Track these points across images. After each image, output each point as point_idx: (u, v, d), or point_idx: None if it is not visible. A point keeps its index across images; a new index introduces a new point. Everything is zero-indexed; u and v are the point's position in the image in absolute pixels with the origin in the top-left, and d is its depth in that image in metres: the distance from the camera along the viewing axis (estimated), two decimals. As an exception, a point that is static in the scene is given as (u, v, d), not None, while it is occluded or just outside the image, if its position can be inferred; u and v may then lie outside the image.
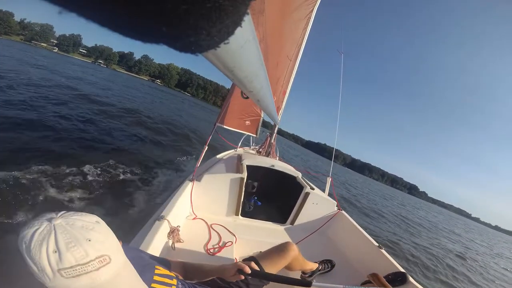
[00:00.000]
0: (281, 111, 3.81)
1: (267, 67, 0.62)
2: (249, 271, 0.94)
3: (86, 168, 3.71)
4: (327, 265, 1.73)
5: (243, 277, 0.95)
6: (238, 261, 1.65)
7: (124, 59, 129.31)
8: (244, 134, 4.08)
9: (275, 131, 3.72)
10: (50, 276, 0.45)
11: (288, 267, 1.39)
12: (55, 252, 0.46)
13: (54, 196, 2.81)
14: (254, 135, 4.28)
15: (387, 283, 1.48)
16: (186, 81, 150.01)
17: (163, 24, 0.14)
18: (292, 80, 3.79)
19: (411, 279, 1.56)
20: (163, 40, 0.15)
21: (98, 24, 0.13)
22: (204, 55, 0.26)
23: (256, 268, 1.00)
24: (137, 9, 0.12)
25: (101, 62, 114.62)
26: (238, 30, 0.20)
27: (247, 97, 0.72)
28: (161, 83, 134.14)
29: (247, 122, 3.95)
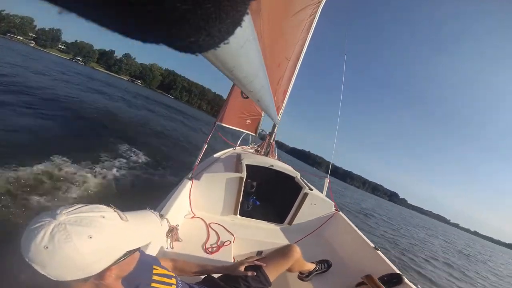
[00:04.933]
0: (281, 111, 3.81)
1: (267, 67, 0.62)
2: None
3: (83, 165, 3.71)
4: (324, 265, 1.73)
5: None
6: (236, 260, 1.66)
7: (104, 57, 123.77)
8: (244, 132, 4.07)
9: (275, 131, 3.72)
10: (50, 269, 0.45)
11: (288, 269, 1.38)
12: (46, 249, 0.45)
13: (46, 195, 2.79)
14: (254, 134, 4.28)
15: (381, 284, 1.49)
16: (169, 83, 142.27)
17: (163, 24, 0.14)
18: (294, 80, 3.79)
19: (406, 280, 1.56)
20: (163, 40, 0.15)
21: (98, 24, 0.13)
22: (204, 55, 0.26)
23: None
24: (137, 9, 0.12)
25: (79, 59, 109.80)
26: (238, 30, 0.20)
27: (247, 97, 0.72)
28: (142, 84, 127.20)
29: (247, 121, 3.95)
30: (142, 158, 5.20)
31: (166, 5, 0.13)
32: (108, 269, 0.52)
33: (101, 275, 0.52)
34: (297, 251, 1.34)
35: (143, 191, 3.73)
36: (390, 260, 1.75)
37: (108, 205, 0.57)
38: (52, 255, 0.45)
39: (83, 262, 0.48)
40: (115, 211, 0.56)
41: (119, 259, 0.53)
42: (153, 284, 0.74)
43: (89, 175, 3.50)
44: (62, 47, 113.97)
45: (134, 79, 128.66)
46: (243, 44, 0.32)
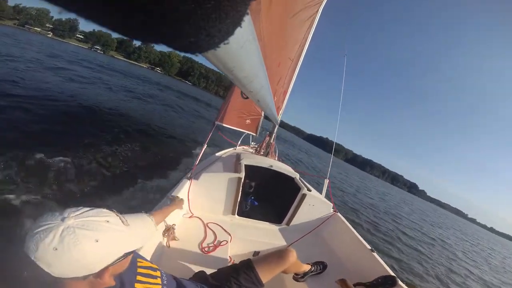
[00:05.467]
0: (281, 111, 3.81)
1: (267, 67, 0.62)
2: None
3: (83, 161, 3.71)
4: (319, 266, 1.74)
5: None
6: (232, 260, 1.66)
7: (123, 45, 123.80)
8: (244, 132, 4.08)
9: (275, 131, 3.72)
10: (56, 267, 0.49)
11: (283, 271, 1.38)
12: (55, 250, 0.49)
13: (44, 190, 2.80)
14: (254, 134, 4.28)
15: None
16: (187, 70, 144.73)
17: (163, 24, 0.14)
18: (294, 80, 3.79)
19: (400, 282, 1.57)
20: (163, 40, 0.15)
21: (98, 24, 0.14)
22: (204, 55, 0.26)
23: None
24: (137, 9, 0.12)
25: (98, 48, 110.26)
26: (238, 30, 0.20)
27: (247, 97, 0.72)
28: (161, 71, 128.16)
29: (247, 121, 3.94)
30: (142, 155, 5.20)
31: (166, 5, 0.13)
32: (106, 268, 0.56)
33: (99, 274, 0.56)
34: (293, 255, 1.34)
35: (143, 190, 3.73)
36: (385, 263, 1.77)
37: (111, 209, 0.62)
38: (60, 256, 0.49)
39: (87, 262, 0.52)
40: (117, 215, 0.61)
41: (117, 259, 0.57)
42: (139, 277, 0.76)
43: (88, 167, 3.55)
44: (81, 36, 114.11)
45: (153, 66, 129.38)
46: (243, 44, 0.32)
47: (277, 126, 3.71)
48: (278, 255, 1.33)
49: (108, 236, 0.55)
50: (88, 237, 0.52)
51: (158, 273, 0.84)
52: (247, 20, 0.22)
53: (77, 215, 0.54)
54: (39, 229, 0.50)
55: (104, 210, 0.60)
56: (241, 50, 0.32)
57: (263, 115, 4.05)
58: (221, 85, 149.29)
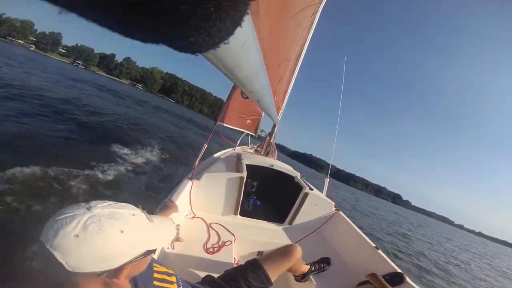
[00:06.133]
0: (281, 111, 3.81)
1: (267, 67, 0.62)
2: None
3: (89, 165, 3.72)
4: (321, 265, 1.70)
5: None
6: (237, 261, 1.65)
7: (105, 61, 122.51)
8: (243, 133, 4.08)
9: (275, 130, 3.72)
10: (71, 257, 0.46)
11: (289, 269, 1.37)
12: (76, 237, 0.46)
13: (51, 192, 2.81)
14: (253, 134, 4.28)
15: (386, 283, 1.48)
16: (170, 87, 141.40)
17: (163, 24, 0.14)
18: (294, 80, 3.79)
19: (408, 279, 1.56)
20: (163, 40, 0.15)
21: (98, 24, 0.13)
22: (204, 55, 0.26)
23: None
24: (137, 9, 0.12)
25: (79, 63, 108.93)
26: (238, 30, 0.20)
27: (247, 97, 0.72)
28: (142, 87, 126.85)
29: (248, 121, 3.95)
30: (144, 159, 5.22)
31: (166, 5, 0.13)
32: (124, 266, 0.52)
33: (116, 272, 0.52)
34: (298, 251, 1.33)
35: (148, 191, 3.74)
36: (391, 259, 1.75)
37: (137, 205, 0.60)
38: (81, 244, 0.46)
39: (108, 254, 0.49)
40: (142, 211, 0.59)
41: (137, 257, 0.54)
42: (155, 282, 0.73)
43: (93, 176, 3.53)
44: (63, 50, 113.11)
45: (135, 83, 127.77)
46: (243, 44, 0.32)
47: (277, 126, 3.71)
48: (283, 251, 1.32)
49: (134, 229, 0.53)
50: (113, 226, 0.50)
51: (173, 279, 0.82)
52: (247, 20, 0.22)
53: (104, 206, 0.53)
54: (62, 216, 0.48)
55: (130, 205, 0.58)
56: (241, 50, 0.32)
57: (263, 115, 4.05)
58: (205, 102, 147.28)
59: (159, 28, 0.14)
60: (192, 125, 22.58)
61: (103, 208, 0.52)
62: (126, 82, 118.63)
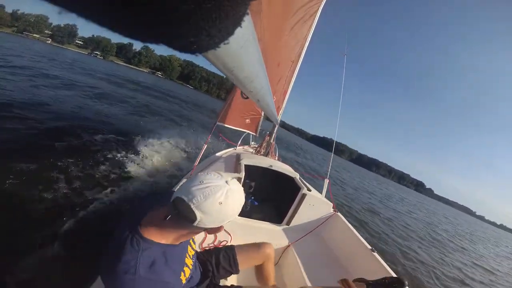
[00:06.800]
0: (281, 111, 3.81)
1: (267, 67, 0.62)
2: None
3: (88, 162, 3.72)
4: None
5: None
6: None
7: (123, 51, 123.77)
8: (244, 132, 4.08)
9: (275, 131, 3.72)
10: (206, 216, 0.65)
11: (259, 271, 1.43)
12: (220, 204, 0.65)
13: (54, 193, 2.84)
14: (254, 134, 4.28)
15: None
16: (188, 73, 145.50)
17: (163, 24, 0.14)
18: (294, 80, 3.79)
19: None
20: (163, 40, 0.15)
21: (98, 24, 0.14)
22: (204, 55, 0.26)
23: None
24: (137, 9, 0.12)
25: (97, 54, 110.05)
26: (238, 30, 0.20)
27: (247, 97, 0.72)
28: (162, 75, 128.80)
29: (247, 121, 3.94)
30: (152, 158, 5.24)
31: (166, 5, 0.13)
32: (219, 228, 0.74)
33: (210, 231, 0.74)
34: (269, 248, 1.42)
35: (144, 191, 3.74)
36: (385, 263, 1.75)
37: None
38: (220, 209, 0.65)
39: (225, 218, 0.69)
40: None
41: (227, 221, 0.72)
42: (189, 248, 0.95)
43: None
44: (80, 42, 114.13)
45: (154, 71, 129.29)
46: (243, 44, 0.32)
47: (277, 126, 3.71)
48: (257, 246, 1.41)
49: (240, 202, 0.72)
50: (237, 198, 0.70)
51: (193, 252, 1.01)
52: (247, 20, 0.22)
53: (233, 181, 0.72)
54: (209, 185, 0.66)
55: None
56: (241, 50, 0.32)
57: (263, 114, 4.05)
58: (223, 88, 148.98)
59: (159, 28, 0.14)
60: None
61: (233, 184, 0.71)
62: (145, 71, 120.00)
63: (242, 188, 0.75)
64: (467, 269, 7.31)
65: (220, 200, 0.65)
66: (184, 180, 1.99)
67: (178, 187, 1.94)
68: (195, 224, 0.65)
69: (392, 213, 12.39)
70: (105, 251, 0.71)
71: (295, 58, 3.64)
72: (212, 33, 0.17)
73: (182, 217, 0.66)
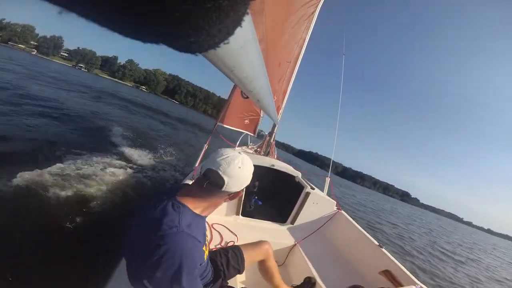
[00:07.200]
0: (281, 111, 3.81)
1: (267, 67, 0.62)
2: None
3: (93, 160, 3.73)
4: (305, 286, 1.66)
5: None
6: None
7: (108, 64, 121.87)
8: (243, 133, 4.07)
9: (275, 130, 3.72)
10: (231, 179, 0.81)
11: (263, 267, 1.48)
12: (239, 168, 0.82)
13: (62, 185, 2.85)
14: (252, 135, 4.28)
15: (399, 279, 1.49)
16: (174, 88, 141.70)
17: (163, 24, 0.14)
18: (293, 79, 3.79)
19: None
20: (163, 40, 0.15)
21: (98, 24, 0.13)
22: (204, 55, 0.27)
23: None
24: (137, 9, 0.12)
25: (82, 66, 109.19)
26: (238, 30, 0.20)
27: (247, 97, 0.72)
28: (146, 89, 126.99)
29: (246, 121, 3.94)
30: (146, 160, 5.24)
31: (166, 5, 0.12)
32: (239, 192, 0.89)
33: (233, 195, 0.89)
34: (267, 244, 1.50)
35: (145, 193, 3.74)
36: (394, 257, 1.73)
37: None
38: (240, 172, 0.82)
39: (245, 181, 0.86)
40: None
41: (245, 187, 0.89)
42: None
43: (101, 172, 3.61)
44: (65, 54, 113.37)
45: (138, 85, 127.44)
46: (243, 44, 0.32)
47: (277, 126, 3.71)
48: (256, 244, 1.50)
49: (252, 168, 0.89)
50: (250, 164, 0.88)
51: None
52: (247, 20, 0.22)
53: (244, 152, 0.91)
54: (228, 155, 0.83)
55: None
56: (241, 50, 0.32)
57: (261, 115, 4.05)
58: (209, 103, 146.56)
59: (159, 28, 0.14)
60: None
61: (244, 154, 0.89)
62: (129, 84, 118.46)
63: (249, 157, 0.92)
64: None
65: (239, 165, 0.82)
66: (187, 180, 2.00)
67: (184, 182, 1.96)
68: (223, 189, 0.80)
69: (400, 231, 10.96)
70: (135, 225, 0.84)
71: (294, 58, 3.65)
72: (212, 33, 0.16)
73: (214, 183, 0.81)
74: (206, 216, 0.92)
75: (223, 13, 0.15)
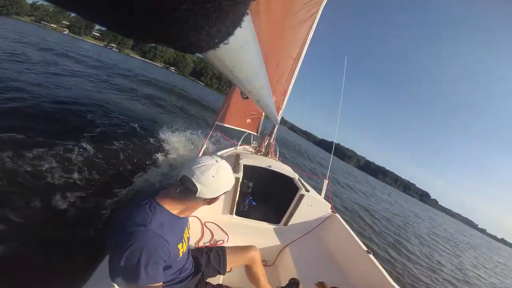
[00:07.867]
0: (281, 111, 3.80)
1: (267, 67, 0.62)
2: None
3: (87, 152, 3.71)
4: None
5: None
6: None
7: (139, 44, 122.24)
8: (245, 132, 4.09)
9: (275, 131, 3.72)
10: (204, 187, 0.87)
11: (249, 272, 1.48)
12: (213, 177, 0.88)
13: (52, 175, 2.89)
14: (255, 133, 4.29)
15: None
16: (200, 70, 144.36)
17: (163, 24, 0.14)
18: (294, 80, 3.79)
19: None
20: (163, 40, 0.15)
21: (98, 24, 0.14)
22: (204, 55, 0.26)
23: None
24: (137, 9, 0.13)
25: (113, 46, 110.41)
26: (238, 31, 0.20)
27: (247, 97, 0.72)
28: (175, 70, 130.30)
29: (248, 120, 3.95)
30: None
31: (166, 5, 0.13)
32: (215, 198, 0.95)
33: (209, 201, 0.95)
34: (255, 250, 1.50)
35: (142, 190, 3.73)
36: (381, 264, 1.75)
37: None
38: (214, 181, 0.87)
39: (218, 189, 0.91)
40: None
41: (222, 194, 0.96)
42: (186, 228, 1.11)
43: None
44: (97, 34, 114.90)
45: (168, 66, 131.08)
46: (243, 45, 0.32)
47: (277, 126, 3.71)
48: (243, 248, 1.50)
49: (230, 175, 0.95)
50: (226, 172, 0.92)
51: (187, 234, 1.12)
52: (247, 20, 0.22)
53: (221, 160, 0.95)
54: (204, 164, 0.88)
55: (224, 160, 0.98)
56: (241, 50, 0.32)
57: (263, 114, 4.05)
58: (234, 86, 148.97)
59: (159, 28, 0.14)
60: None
61: (220, 161, 0.94)
62: (160, 65, 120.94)
63: (229, 166, 0.96)
64: None
65: (213, 174, 0.87)
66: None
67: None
68: (197, 195, 0.87)
69: (424, 248, 9.43)
70: (118, 217, 0.89)
71: (295, 58, 3.64)
72: (212, 33, 0.17)
73: (188, 189, 0.87)
74: (186, 217, 1.01)
75: (223, 13, 0.15)
